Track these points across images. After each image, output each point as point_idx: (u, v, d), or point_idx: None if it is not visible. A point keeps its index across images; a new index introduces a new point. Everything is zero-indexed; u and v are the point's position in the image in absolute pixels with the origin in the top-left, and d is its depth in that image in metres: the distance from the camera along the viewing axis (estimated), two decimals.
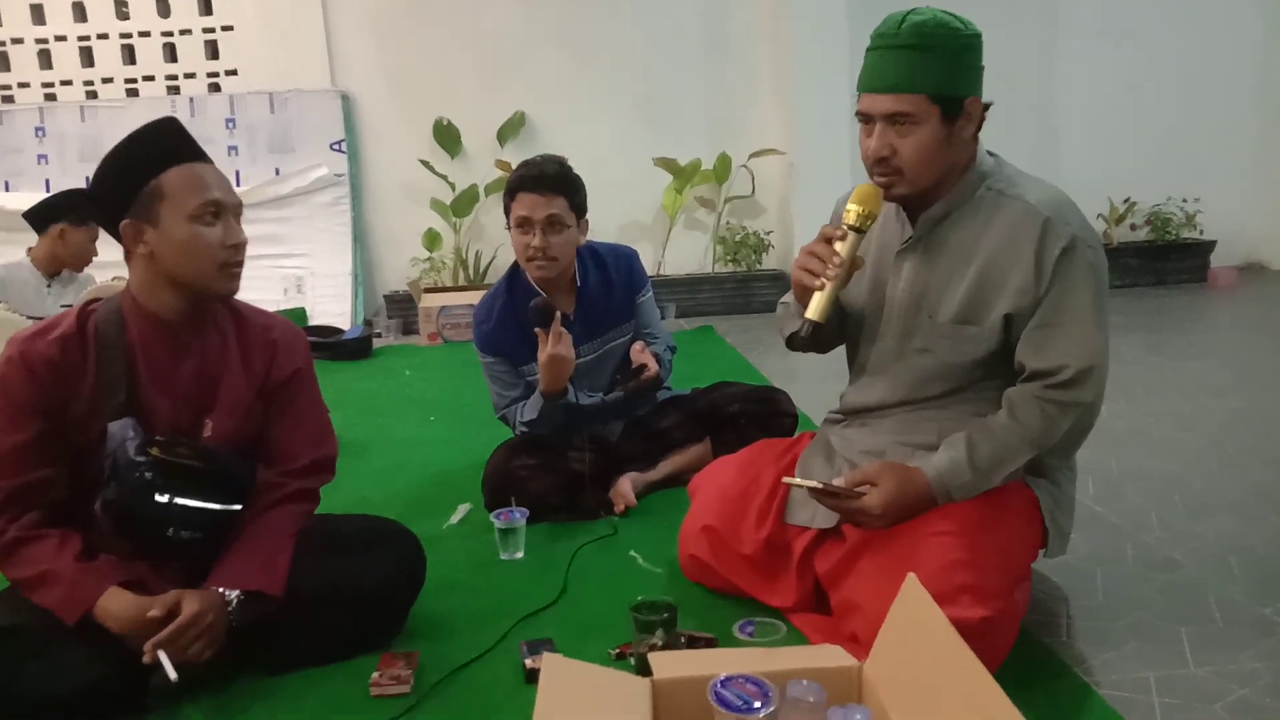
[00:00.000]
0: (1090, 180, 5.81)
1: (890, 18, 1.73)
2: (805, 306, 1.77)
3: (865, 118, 1.77)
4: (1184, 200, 6.34)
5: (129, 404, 1.71)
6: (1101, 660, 1.75)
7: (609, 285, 2.68)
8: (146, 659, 1.59)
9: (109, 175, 1.72)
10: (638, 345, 2.63)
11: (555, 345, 2.41)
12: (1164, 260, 6.31)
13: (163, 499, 1.68)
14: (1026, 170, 1.86)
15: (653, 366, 2.57)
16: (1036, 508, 1.83)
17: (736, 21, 6.21)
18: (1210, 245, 6.34)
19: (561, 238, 2.52)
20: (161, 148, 1.71)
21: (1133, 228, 6.38)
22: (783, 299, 2.06)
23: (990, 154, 1.85)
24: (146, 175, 1.68)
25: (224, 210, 1.73)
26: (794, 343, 2.00)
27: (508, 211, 2.55)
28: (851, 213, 1.75)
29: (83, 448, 1.71)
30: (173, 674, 1.58)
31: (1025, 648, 1.74)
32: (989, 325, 1.77)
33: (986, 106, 1.78)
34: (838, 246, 1.75)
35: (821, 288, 1.75)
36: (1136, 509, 2.46)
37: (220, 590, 1.68)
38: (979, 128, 1.79)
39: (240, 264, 1.76)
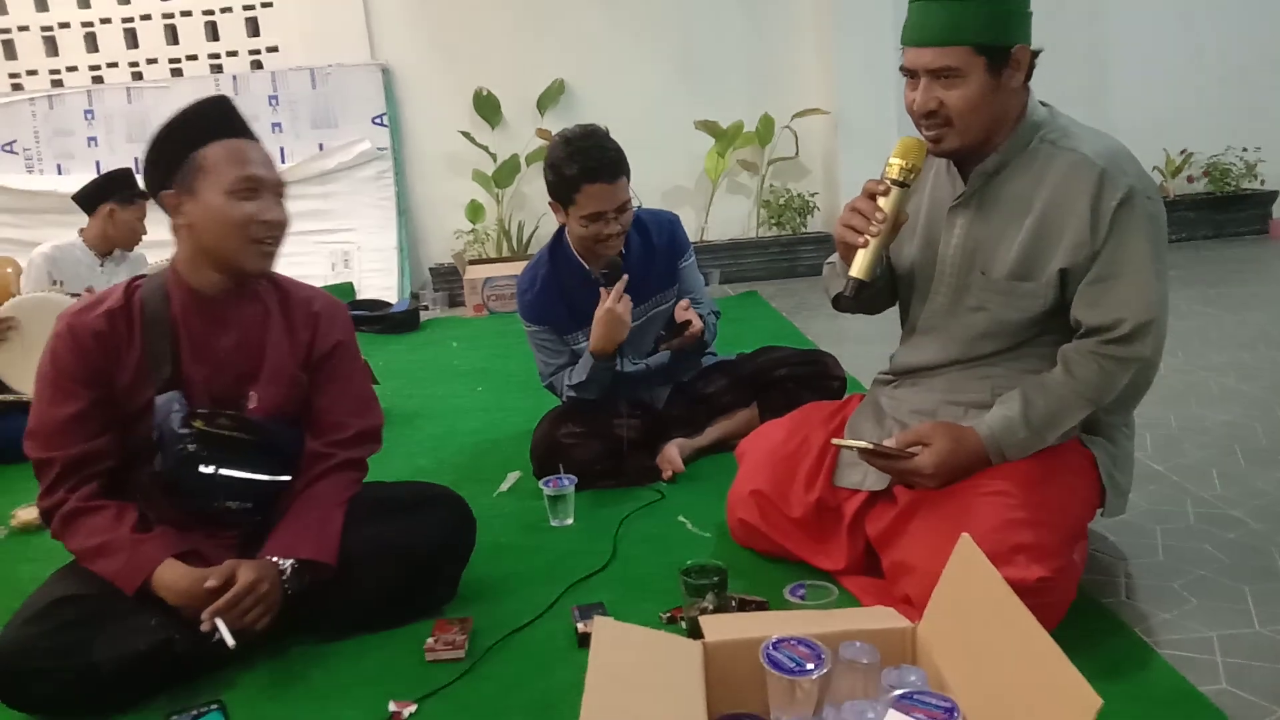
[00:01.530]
0: (1144, 130, 5.62)
1: None
2: (849, 264, 1.74)
3: (909, 72, 1.73)
4: (1244, 149, 6.14)
5: (173, 377, 1.74)
6: (1162, 620, 1.71)
7: (651, 251, 2.66)
8: (204, 627, 1.62)
9: (156, 147, 1.76)
10: (683, 303, 2.60)
11: (615, 301, 2.41)
12: (1223, 212, 6.13)
13: (208, 470, 1.72)
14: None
15: (696, 323, 2.54)
16: (1093, 466, 1.80)
17: None
18: (1272, 196, 6.15)
19: (629, 214, 2.50)
20: (207, 123, 1.74)
21: (1190, 179, 6.20)
22: (829, 259, 2.03)
23: (1043, 104, 1.79)
24: (189, 148, 1.72)
25: (262, 187, 1.74)
26: (840, 303, 1.97)
27: (569, 202, 2.45)
28: (894, 167, 1.71)
29: (129, 419, 1.75)
30: (230, 640, 1.62)
31: (1083, 607, 1.71)
32: (1044, 280, 1.73)
33: (1036, 54, 1.72)
34: (880, 202, 1.71)
35: (865, 245, 1.71)
36: (1196, 464, 2.40)
37: (274, 559, 1.72)
38: (1029, 76, 1.74)
39: (274, 241, 1.77)
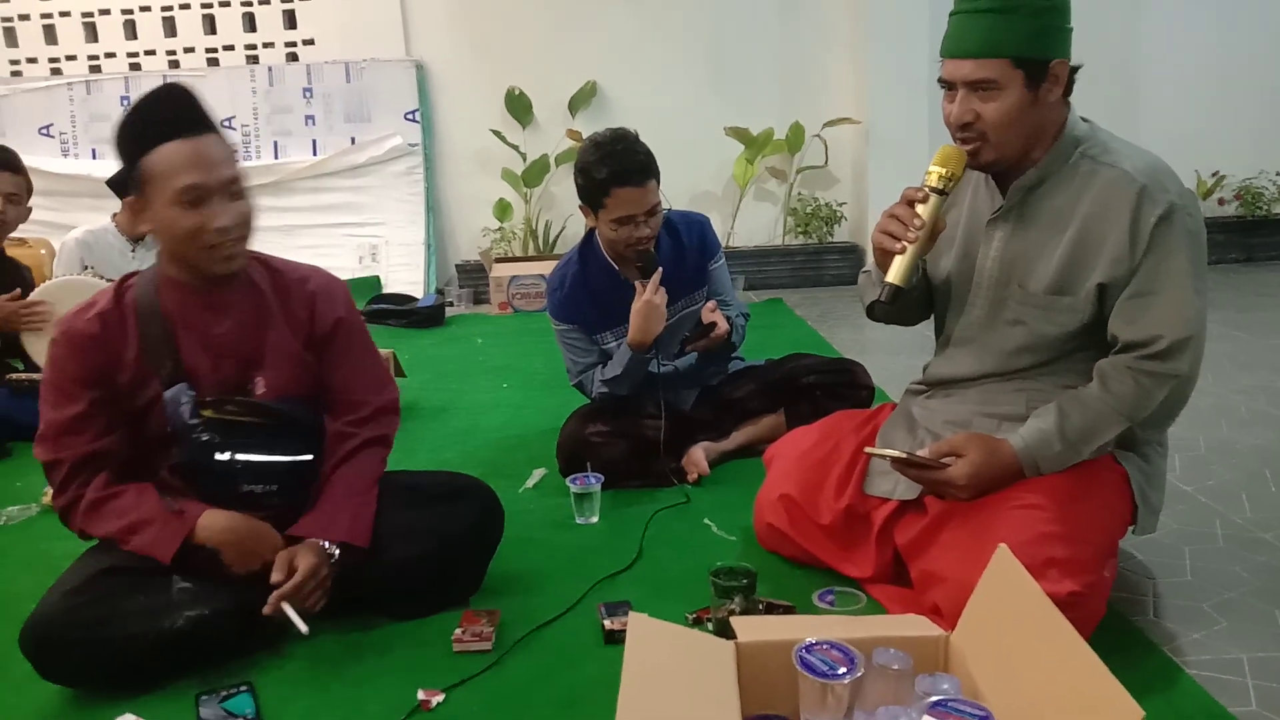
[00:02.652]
0: (1175, 151, 5.48)
1: None
2: (886, 271, 1.74)
3: (947, 84, 1.73)
4: (1277, 173, 6.09)
5: (176, 370, 1.74)
6: (1191, 640, 1.70)
7: (681, 252, 2.67)
8: (268, 611, 1.66)
9: (116, 151, 1.69)
10: (710, 304, 2.61)
11: (653, 293, 2.42)
12: (1254, 236, 6.08)
13: (224, 456, 1.74)
14: None
15: (722, 325, 2.54)
16: (1126, 482, 1.79)
17: None
18: None
19: (658, 217, 2.51)
20: (151, 124, 1.66)
21: (1221, 202, 6.15)
22: (864, 268, 2.03)
23: (1084, 119, 1.79)
24: (136, 154, 1.66)
25: (207, 193, 1.65)
26: (875, 311, 1.97)
27: (599, 206, 2.46)
28: (933, 174, 1.71)
29: (138, 415, 1.75)
30: (303, 627, 1.67)
31: (1111, 626, 1.70)
32: (1082, 295, 1.72)
33: (1075, 69, 1.73)
34: (919, 209, 1.72)
35: (903, 251, 1.72)
36: (1226, 486, 2.39)
37: (323, 544, 1.74)
38: (1068, 91, 1.74)
39: (232, 243, 1.69)
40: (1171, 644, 1.69)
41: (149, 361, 1.74)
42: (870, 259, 1.90)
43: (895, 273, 1.73)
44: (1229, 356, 3.64)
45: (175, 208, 1.64)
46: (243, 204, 1.71)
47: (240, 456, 1.75)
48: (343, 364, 1.90)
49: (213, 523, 1.71)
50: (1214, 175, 6.09)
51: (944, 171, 1.71)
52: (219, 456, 1.73)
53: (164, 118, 1.66)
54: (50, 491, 2.64)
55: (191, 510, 1.73)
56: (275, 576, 1.67)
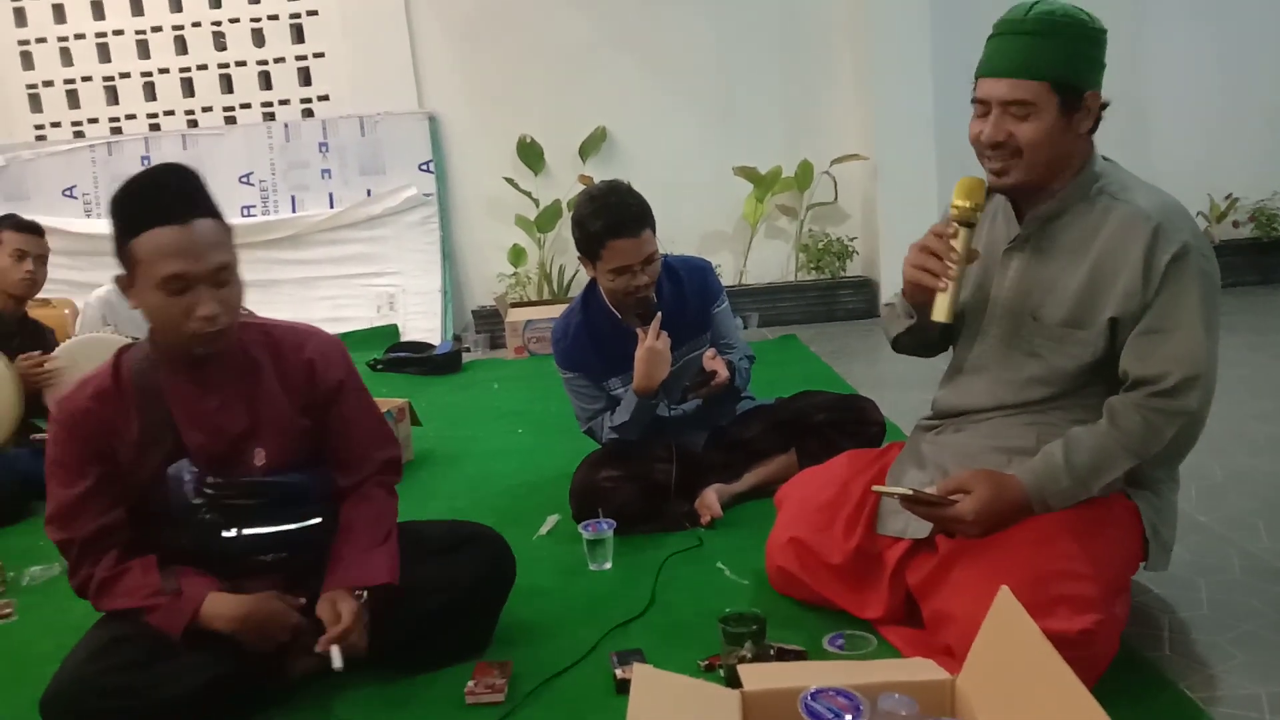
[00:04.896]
0: (1187, 175, 5.57)
1: (1018, 5, 1.73)
2: (918, 305, 1.77)
3: (982, 103, 1.75)
4: None
5: (175, 446, 1.75)
6: (1207, 675, 1.69)
7: (683, 298, 2.69)
8: (320, 648, 1.72)
9: (111, 225, 1.68)
10: (710, 352, 2.64)
11: (654, 339, 2.45)
12: (1270, 257, 6.04)
13: (230, 533, 1.75)
14: None
15: (722, 372, 2.56)
16: (1137, 518, 1.78)
17: (814, 22, 6.13)
18: None
19: (656, 265, 2.54)
20: (142, 206, 1.65)
21: (1235, 225, 6.13)
22: (887, 300, 2.04)
23: (1105, 158, 1.82)
24: (126, 235, 1.65)
25: (192, 281, 1.64)
26: (900, 343, 2.00)
27: (596, 257, 2.50)
28: (958, 209, 1.74)
29: (141, 488, 1.76)
30: (339, 664, 1.71)
31: (1125, 662, 1.69)
32: (1095, 329, 1.74)
33: (1104, 105, 1.75)
34: (953, 243, 1.74)
35: (945, 289, 1.73)
36: (1242, 515, 2.36)
37: (358, 592, 1.78)
38: (1094, 129, 1.76)
39: (216, 332, 1.68)
40: (1188, 680, 1.68)
41: (148, 438, 1.75)
42: (885, 293, 1.92)
43: (941, 310, 1.75)
44: (1245, 381, 3.61)
45: (159, 293, 1.64)
46: (229, 290, 1.69)
47: (247, 531, 1.77)
48: (345, 425, 1.91)
49: (222, 611, 1.71)
50: (1227, 198, 6.07)
51: (968, 204, 1.73)
52: (226, 534, 1.75)
53: (156, 203, 1.65)
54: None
55: (192, 589, 1.73)
56: (322, 617, 1.74)
